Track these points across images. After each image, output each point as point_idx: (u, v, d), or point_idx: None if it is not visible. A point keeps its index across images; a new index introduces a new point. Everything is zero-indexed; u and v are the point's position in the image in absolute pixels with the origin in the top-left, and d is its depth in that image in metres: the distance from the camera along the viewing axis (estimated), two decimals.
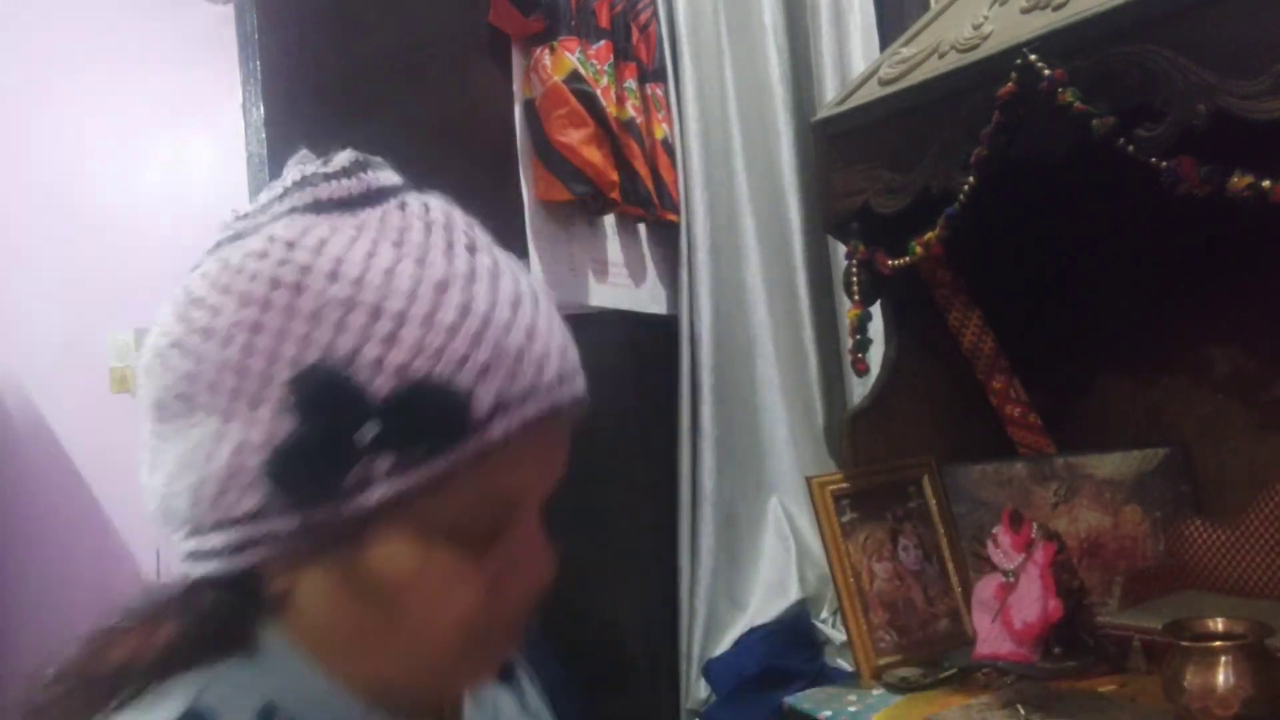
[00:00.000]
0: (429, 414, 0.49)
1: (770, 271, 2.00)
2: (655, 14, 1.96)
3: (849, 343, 1.50)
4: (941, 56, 1.32)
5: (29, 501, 2.13)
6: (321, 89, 1.57)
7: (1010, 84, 1.18)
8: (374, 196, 0.55)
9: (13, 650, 2.18)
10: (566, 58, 1.77)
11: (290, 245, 0.51)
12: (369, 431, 0.49)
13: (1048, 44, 1.16)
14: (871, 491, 1.48)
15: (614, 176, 1.82)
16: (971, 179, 1.24)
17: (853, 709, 1.32)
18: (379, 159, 0.59)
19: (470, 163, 1.76)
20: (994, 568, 1.34)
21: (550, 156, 1.79)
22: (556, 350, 0.54)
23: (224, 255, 0.53)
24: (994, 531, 1.35)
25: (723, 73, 2.02)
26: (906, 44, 1.42)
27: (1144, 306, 1.53)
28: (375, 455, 0.49)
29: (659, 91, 1.94)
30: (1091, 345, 1.61)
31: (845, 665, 1.59)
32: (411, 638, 0.54)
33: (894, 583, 1.45)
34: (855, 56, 1.95)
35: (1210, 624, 1.10)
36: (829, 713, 1.32)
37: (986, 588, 1.34)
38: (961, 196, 1.26)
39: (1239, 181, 1.03)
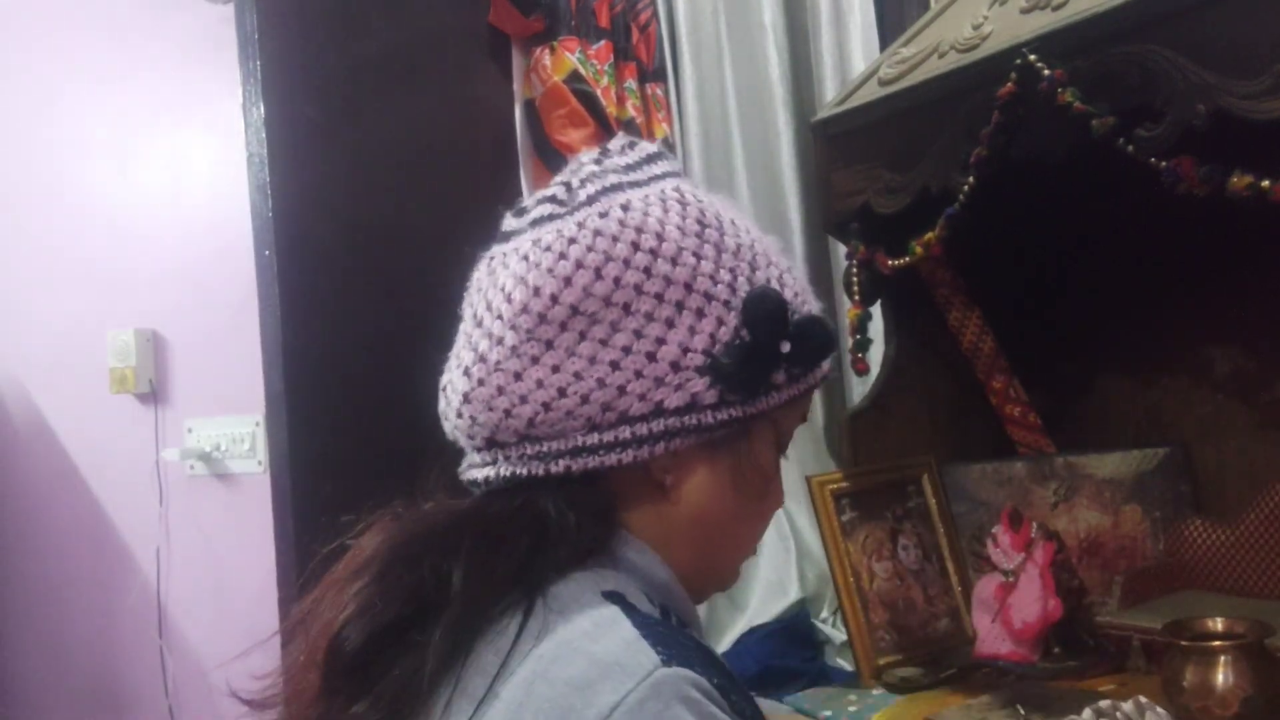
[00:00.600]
0: (813, 342, 0.66)
1: None
2: (655, 14, 1.96)
3: (849, 343, 1.50)
4: (941, 56, 1.32)
5: (29, 501, 2.13)
6: (321, 89, 1.57)
7: (1010, 84, 1.18)
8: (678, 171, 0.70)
9: (13, 650, 2.18)
10: (566, 58, 1.77)
11: (698, 200, 0.65)
12: (784, 347, 0.64)
13: (1048, 44, 1.16)
14: (871, 491, 1.48)
15: None
16: (971, 179, 1.24)
17: (853, 709, 1.32)
18: None
19: (470, 163, 1.76)
20: (994, 567, 1.34)
21: (550, 156, 1.79)
22: None
23: (630, 196, 0.64)
24: (994, 531, 1.35)
25: (723, 73, 2.01)
26: (906, 44, 1.41)
27: (1144, 306, 1.53)
28: (781, 367, 0.64)
29: (659, 91, 1.94)
30: (1091, 345, 1.61)
31: (845, 665, 1.59)
32: (750, 529, 0.70)
33: (894, 582, 1.45)
34: (855, 56, 1.95)
35: (1210, 624, 1.10)
36: (829, 713, 1.32)
37: (986, 587, 1.34)
38: (961, 196, 1.26)
39: (1239, 181, 1.03)
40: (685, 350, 0.62)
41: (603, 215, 0.63)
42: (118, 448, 1.95)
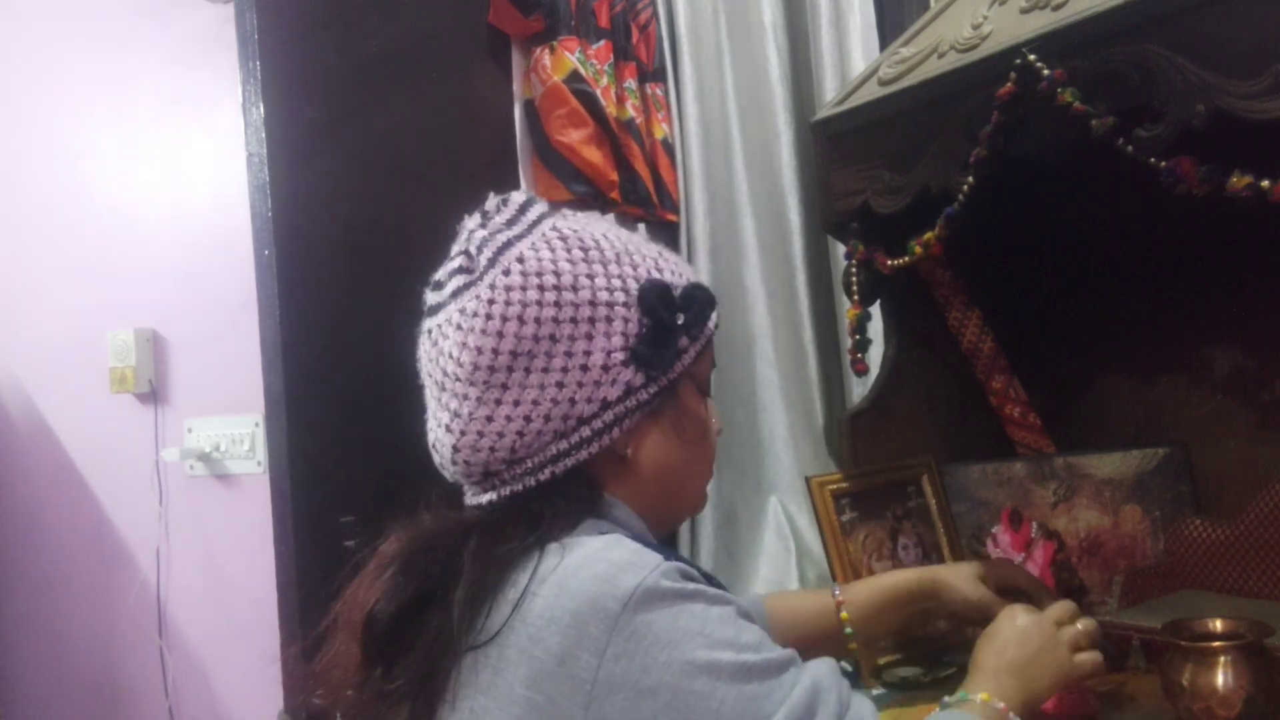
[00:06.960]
0: (698, 304, 0.81)
1: (770, 271, 2.00)
2: (655, 14, 1.96)
3: (849, 343, 1.50)
4: (941, 56, 1.32)
5: (29, 501, 2.13)
6: (321, 89, 1.57)
7: (1010, 84, 1.18)
8: (573, 206, 0.86)
9: (13, 650, 2.18)
10: (566, 58, 1.77)
11: (573, 230, 0.79)
12: (679, 318, 0.79)
13: (1047, 44, 1.16)
14: (871, 491, 1.48)
15: (614, 176, 1.82)
16: (971, 179, 1.24)
17: None
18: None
19: (470, 163, 1.76)
20: None
21: (550, 156, 1.79)
22: None
23: (521, 249, 0.77)
24: (994, 531, 1.35)
25: (723, 73, 2.02)
26: (906, 44, 1.41)
27: (1144, 306, 1.53)
28: (682, 334, 0.80)
29: (659, 91, 1.94)
30: (1091, 345, 1.60)
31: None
32: (702, 463, 0.86)
33: None
34: (855, 56, 1.95)
35: (1210, 624, 1.10)
36: None
37: None
38: (961, 196, 1.26)
39: (1238, 181, 1.03)
40: (608, 353, 0.77)
41: (506, 273, 0.76)
42: (118, 447, 1.95)
